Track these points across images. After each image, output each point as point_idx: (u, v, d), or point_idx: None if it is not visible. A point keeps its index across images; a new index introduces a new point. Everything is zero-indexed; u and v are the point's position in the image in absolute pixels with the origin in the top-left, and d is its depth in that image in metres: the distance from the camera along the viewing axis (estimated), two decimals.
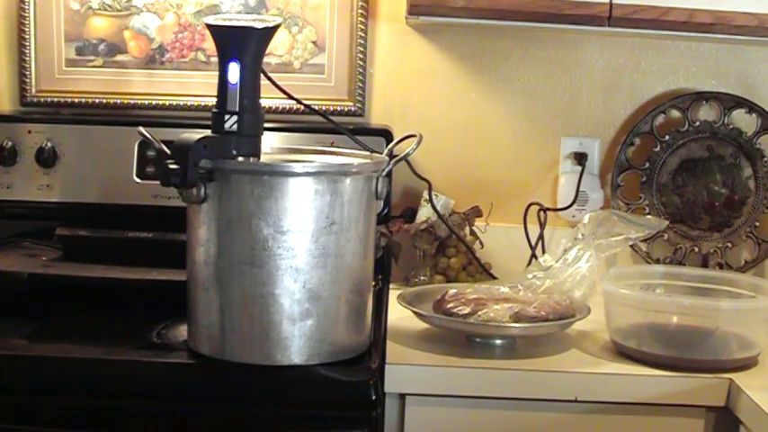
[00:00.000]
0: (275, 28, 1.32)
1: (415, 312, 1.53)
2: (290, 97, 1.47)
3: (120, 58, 1.96)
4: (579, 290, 1.56)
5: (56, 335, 1.45)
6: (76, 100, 1.95)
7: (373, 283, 1.41)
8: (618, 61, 1.99)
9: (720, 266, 1.92)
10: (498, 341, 1.51)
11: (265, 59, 1.34)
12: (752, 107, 1.94)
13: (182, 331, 1.40)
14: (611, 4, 1.67)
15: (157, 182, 1.29)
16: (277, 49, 1.95)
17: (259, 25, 1.31)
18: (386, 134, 1.86)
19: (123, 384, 1.29)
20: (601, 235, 1.59)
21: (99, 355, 1.35)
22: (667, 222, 1.69)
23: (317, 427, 1.27)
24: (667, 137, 1.95)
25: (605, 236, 1.59)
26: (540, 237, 1.91)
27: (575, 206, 1.95)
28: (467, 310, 1.48)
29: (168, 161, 1.23)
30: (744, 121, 1.95)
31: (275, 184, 1.26)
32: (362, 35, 1.94)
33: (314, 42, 1.95)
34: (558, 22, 1.70)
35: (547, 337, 1.54)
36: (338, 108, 1.95)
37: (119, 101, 1.95)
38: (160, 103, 1.95)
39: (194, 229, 1.31)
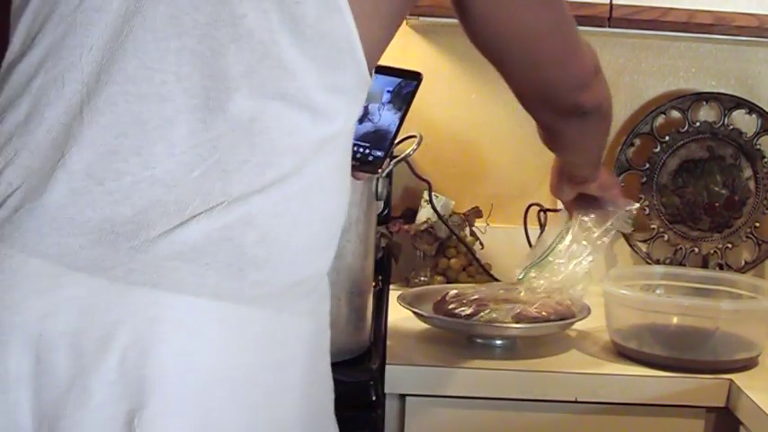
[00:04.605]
0: None
1: (415, 313, 1.53)
2: None
3: None
4: (577, 286, 1.55)
5: None
6: None
7: (373, 284, 1.41)
8: (618, 62, 1.99)
9: (720, 267, 1.92)
10: (499, 341, 1.51)
11: None
12: (752, 108, 1.94)
13: None
14: (611, 5, 1.67)
15: None
16: None
17: None
18: None
19: None
20: (584, 230, 1.55)
21: None
22: (637, 205, 1.60)
23: None
24: (667, 137, 1.95)
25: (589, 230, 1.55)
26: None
27: None
28: (468, 310, 1.48)
29: None
30: (744, 121, 1.95)
31: None
32: None
33: None
34: None
35: (547, 337, 1.54)
36: None
37: None
38: None
39: None
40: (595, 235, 1.51)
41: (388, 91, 1.24)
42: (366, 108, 1.23)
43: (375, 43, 0.94)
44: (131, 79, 0.85)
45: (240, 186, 0.86)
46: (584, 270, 1.53)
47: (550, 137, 1.31)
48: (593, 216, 1.51)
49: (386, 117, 1.23)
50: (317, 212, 0.93)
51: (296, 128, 0.89)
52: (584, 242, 1.52)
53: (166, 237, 0.83)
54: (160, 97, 0.85)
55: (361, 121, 1.21)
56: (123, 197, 0.84)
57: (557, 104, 1.18)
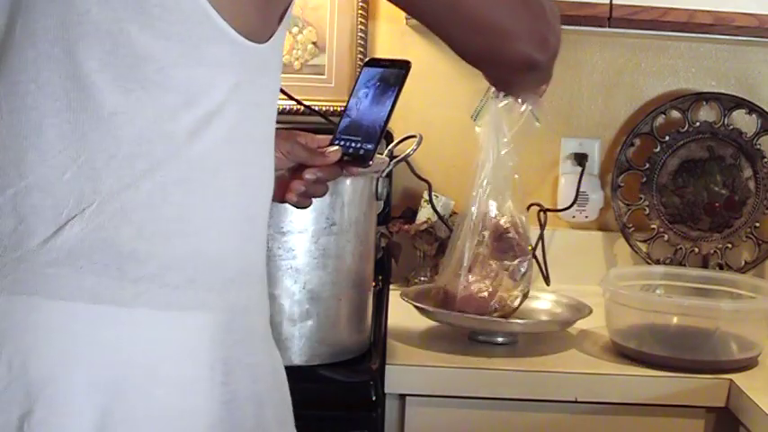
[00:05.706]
0: None
1: (419, 309, 1.51)
2: (291, 98, 1.47)
3: None
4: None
5: None
6: None
7: (373, 284, 1.41)
8: (618, 62, 1.99)
9: (720, 267, 1.92)
10: (500, 339, 1.51)
11: None
12: (752, 108, 1.94)
13: None
14: (611, 5, 1.67)
15: None
16: None
17: None
18: (386, 135, 1.86)
19: None
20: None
21: None
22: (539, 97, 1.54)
23: (317, 427, 1.27)
24: (667, 138, 1.95)
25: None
26: (541, 237, 1.91)
27: (575, 207, 1.95)
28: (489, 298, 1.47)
29: None
30: (744, 121, 1.95)
31: None
32: (363, 36, 1.94)
33: (314, 43, 1.95)
34: None
35: (547, 336, 1.54)
36: (339, 109, 1.95)
37: None
38: None
39: None
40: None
41: (367, 84, 1.22)
42: (347, 104, 1.21)
43: (244, 12, 0.89)
44: (4, 97, 0.88)
45: (110, 183, 0.86)
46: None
47: (497, 85, 1.28)
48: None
49: (369, 110, 1.19)
50: (208, 195, 0.90)
51: (163, 112, 0.87)
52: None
53: (46, 244, 0.86)
54: (27, 107, 0.87)
55: (340, 117, 1.20)
56: (8, 210, 0.87)
57: (506, 58, 1.11)
